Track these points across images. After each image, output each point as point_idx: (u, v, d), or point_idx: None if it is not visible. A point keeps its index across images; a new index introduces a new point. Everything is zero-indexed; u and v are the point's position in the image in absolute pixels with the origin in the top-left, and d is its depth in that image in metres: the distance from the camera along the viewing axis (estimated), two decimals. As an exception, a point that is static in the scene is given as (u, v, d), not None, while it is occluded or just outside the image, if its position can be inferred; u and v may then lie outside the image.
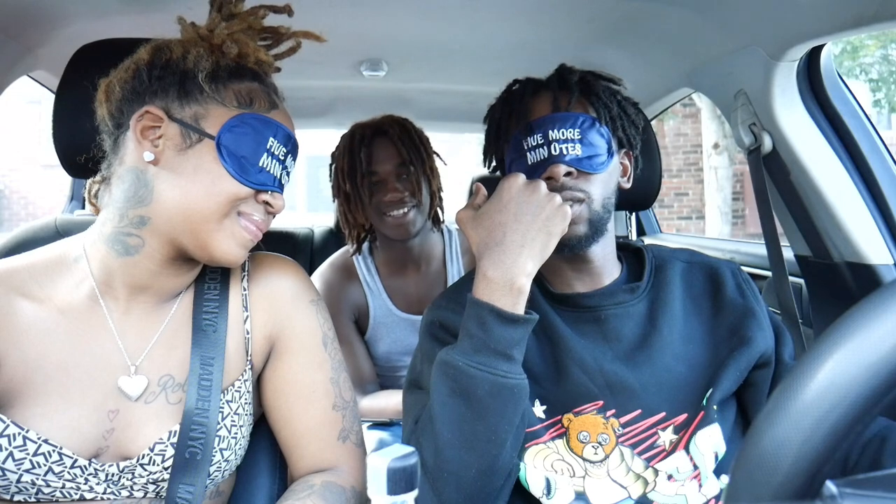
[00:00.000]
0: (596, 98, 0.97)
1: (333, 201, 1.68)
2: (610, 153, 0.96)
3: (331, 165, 1.67)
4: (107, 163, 0.86)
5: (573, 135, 0.93)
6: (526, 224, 0.84)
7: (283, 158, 0.86)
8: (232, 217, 0.82)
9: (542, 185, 0.87)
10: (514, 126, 0.98)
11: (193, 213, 0.80)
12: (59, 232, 1.37)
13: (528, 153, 0.94)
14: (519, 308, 0.83)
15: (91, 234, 0.86)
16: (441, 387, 0.83)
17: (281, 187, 0.87)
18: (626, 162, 1.03)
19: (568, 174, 0.92)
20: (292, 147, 0.88)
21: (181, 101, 0.81)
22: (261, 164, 0.83)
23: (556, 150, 0.92)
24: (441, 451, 0.82)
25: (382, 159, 1.56)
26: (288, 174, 0.89)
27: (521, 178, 0.88)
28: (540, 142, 0.93)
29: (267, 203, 0.86)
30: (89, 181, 0.91)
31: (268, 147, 0.84)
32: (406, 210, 1.55)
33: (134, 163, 0.81)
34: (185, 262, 0.86)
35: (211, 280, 0.91)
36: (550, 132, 0.93)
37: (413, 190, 1.56)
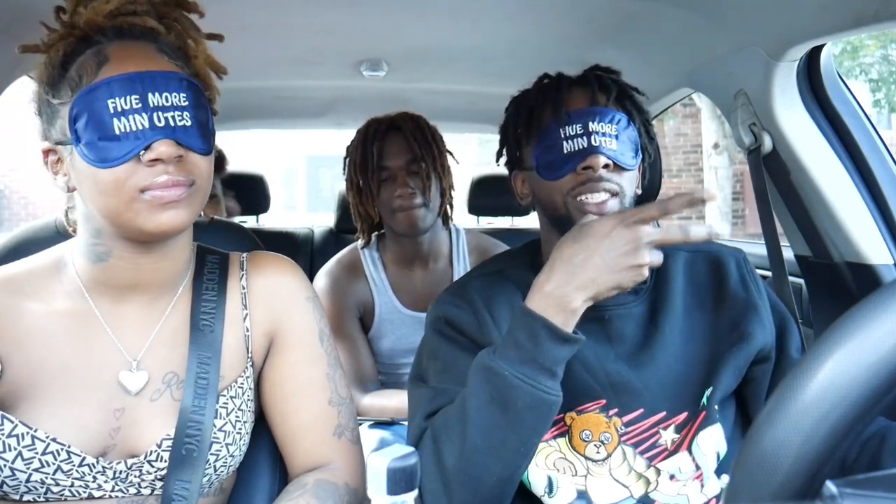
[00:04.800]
0: (630, 102, 0.99)
1: (347, 191, 1.69)
2: (636, 154, 0.97)
3: (345, 159, 1.68)
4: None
5: (611, 130, 0.93)
6: (606, 266, 0.81)
7: (139, 106, 0.75)
8: (137, 199, 0.76)
9: (643, 246, 0.81)
10: (548, 115, 0.97)
11: (109, 214, 0.78)
12: (60, 232, 1.37)
13: (564, 142, 0.93)
14: (569, 327, 0.82)
15: (72, 244, 0.88)
16: (480, 391, 0.83)
17: (158, 131, 0.76)
18: (638, 173, 1.03)
19: (605, 166, 0.92)
20: (143, 86, 0.76)
21: (51, 122, 0.80)
22: (117, 132, 0.74)
23: (595, 142, 0.92)
24: (466, 454, 0.82)
25: (394, 154, 1.57)
26: (165, 109, 0.77)
27: (633, 220, 0.82)
28: (579, 132, 0.93)
29: (156, 160, 0.75)
30: (66, 209, 0.91)
31: (112, 111, 0.74)
32: (415, 206, 1.56)
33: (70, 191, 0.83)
34: (161, 254, 0.85)
35: (209, 280, 0.92)
36: (590, 123, 0.93)
37: (423, 187, 1.57)
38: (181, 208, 0.78)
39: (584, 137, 0.92)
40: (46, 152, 0.82)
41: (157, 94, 0.76)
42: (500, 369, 0.81)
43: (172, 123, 0.77)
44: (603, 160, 0.91)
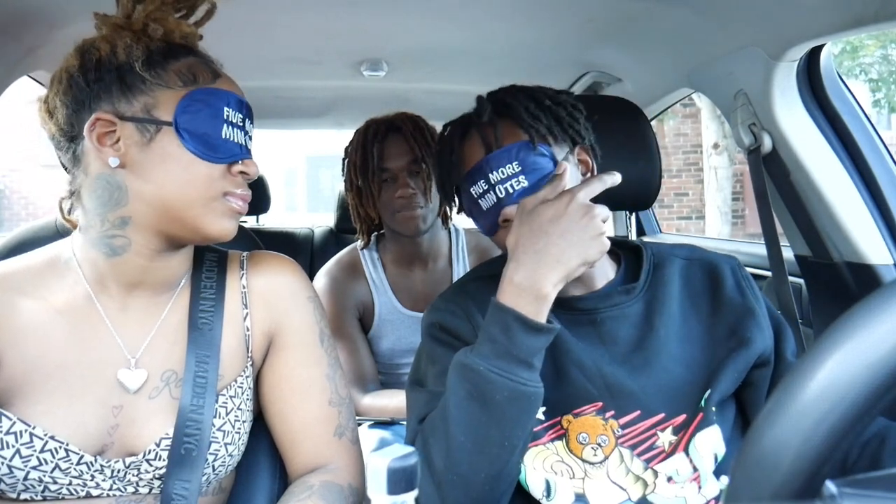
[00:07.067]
0: (520, 119, 0.93)
1: (346, 192, 1.70)
2: (555, 161, 0.93)
3: (344, 159, 1.69)
4: (71, 176, 0.85)
5: (513, 169, 0.91)
6: (569, 242, 0.83)
7: (241, 125, 0.85)
8: (218, 199, 0.83)
9: (598, 213, 0.84)
10: (456, 176, 0.98)
11: (175, 203, 0.80)
12: (60, 232, 1.37)
13: (479, 200, 0.94)
14: (542, 316, 0.83)
15: (77, 238, 0.86)
16: (458, 389, 0.83)
17: (249, 153, 0.86)
18: (585, 156, 0.99)
19: None
20: (247, 111, 0.87)
21: (127, 97, 0.79)
22: (223, 136, 0.82)
23: (501, 193, 0.91)
24: (452, 453, 0.82)
25: (395, 156, 1.58)
26: (250, 139, 0.88)
27: (583, 195, 0.85)
28: (484, 188, 0.93)
29: (242, 172, 0.85)
30: (59, 199, 0.89)
31: (224, 117, 0.82)
32: (416, 207, 1.56)
33: (100, 170, 0.80)
34: (175, 251, 0.86)
35: (208, 279, 0.92)
36: (490, 175, 0.92)
37: (424, 188, 1.58)
38: (237, 221, 0.87)
39: (491, 192, 0.92)
40: (96, 121, 0.79)
41: (249, 122, 0.87)
42: (476, 365, 0.82)
43: (249, 148, 0.87)
44: (514, 208, 0.89)
